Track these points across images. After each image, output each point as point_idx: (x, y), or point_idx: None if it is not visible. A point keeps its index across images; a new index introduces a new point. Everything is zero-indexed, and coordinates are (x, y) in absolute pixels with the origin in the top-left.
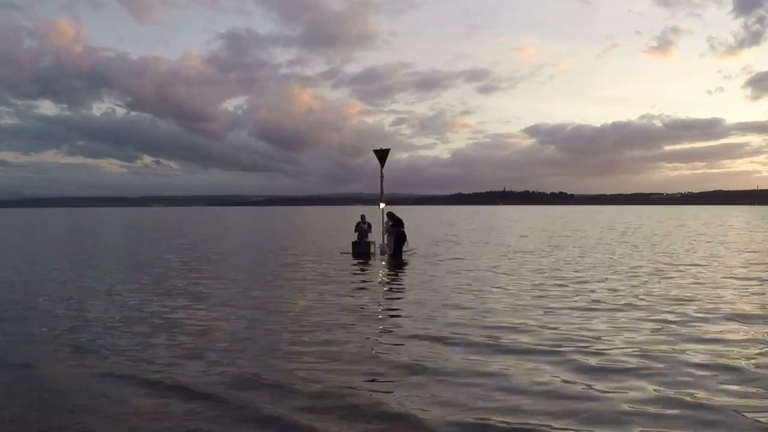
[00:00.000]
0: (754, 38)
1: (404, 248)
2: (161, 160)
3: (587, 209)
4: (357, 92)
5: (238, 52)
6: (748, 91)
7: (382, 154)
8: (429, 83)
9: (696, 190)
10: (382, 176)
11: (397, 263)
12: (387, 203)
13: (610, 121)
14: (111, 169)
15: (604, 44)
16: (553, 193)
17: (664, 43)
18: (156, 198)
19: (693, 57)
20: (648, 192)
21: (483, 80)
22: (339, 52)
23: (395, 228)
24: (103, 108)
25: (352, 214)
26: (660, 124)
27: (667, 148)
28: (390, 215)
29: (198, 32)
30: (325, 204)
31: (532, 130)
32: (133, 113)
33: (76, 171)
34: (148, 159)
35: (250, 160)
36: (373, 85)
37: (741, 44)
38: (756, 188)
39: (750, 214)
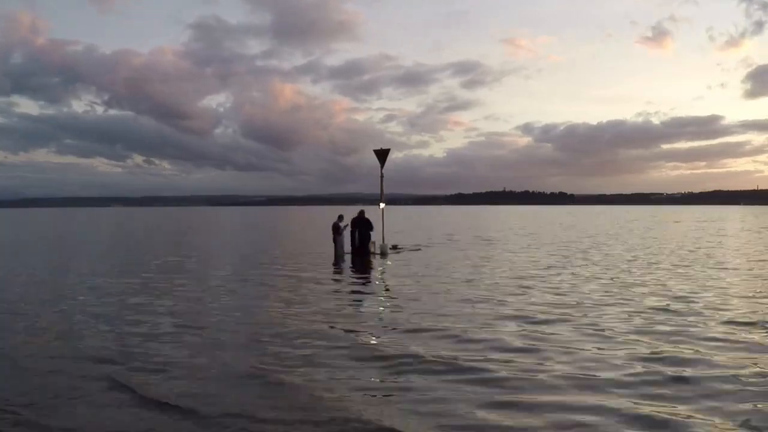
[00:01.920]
0: (756, 27)
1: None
2: (152, 159)
3: (612, 210)
4: (339, 87)
5: (212, 44)
6: (749, 85)
7: (382, 154)
8: (414, 77)
9: (696, 190)
10: (382, 176)
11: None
12: (388, 203)
13: (605, 119)
14: (106, 168)
15: (598, 36)
16: (553, 193)
17: (659, 34)
18: (157, 198)
19: (691, 49)
20: (648, 192)
21: (470, 74)
22: (316, 44)
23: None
24: (82, 106)
25: (353, 213)
26: (657, 122)
27: (666, 146)
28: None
29: (162, 21)
30: (326, 204)
31: (526, 128)
32: (111, 111)
33: (72, 170)
34: (139, 158)
35: (244, 160)
36: (356, 80)
37: (742, 34)
38: (756, 188)
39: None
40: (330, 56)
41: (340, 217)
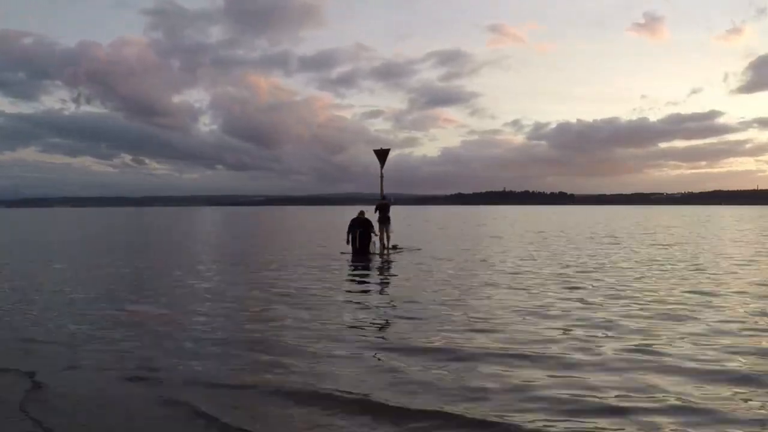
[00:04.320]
0: (758, 13)
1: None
2: (140, 158)
3: (617, 210)
4: (315, 80)
5: (172, 33)
6: (750, 76)
7: (382, 154)
8: (393, 70)
9: (696, 190)
10: (382, 176)
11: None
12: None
13: (598, 116)
14: (99, 168)
15: (592, 24)
16: (553, 193)
17: (652, 20)
18: (157, 198)
19: (687, 38)
20: (648, 192)
21: (453, 66)
22: (283, 31)
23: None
24: (54, 102)
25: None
26: (654, 119)
27: (664, 145)
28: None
29: (113, 7)
30: (325, 204)
31: (517, 125)
32: (84, 108)
33: (69, 170)
34: (127, 157)
35: (235, 159)
36: (331, 72)
37: (743, 21)
38: (756, 188)
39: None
40: (300, 45)
41: (361, 213)
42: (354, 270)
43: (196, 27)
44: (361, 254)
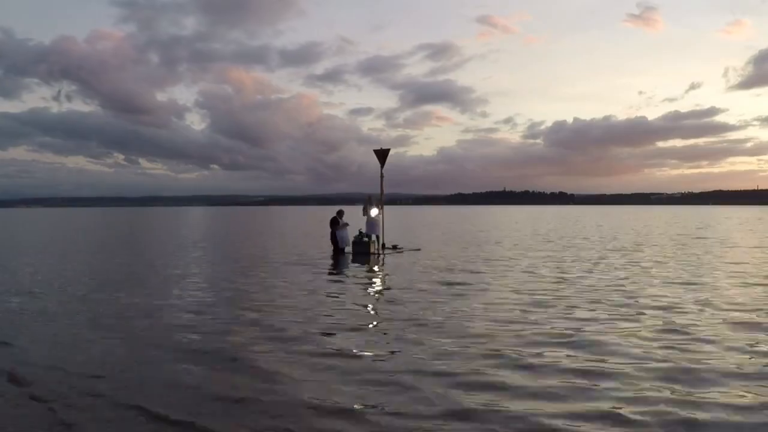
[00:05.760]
0: (760, 5)
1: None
2: (133, 157)
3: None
4: (299, 76)
5: (145, 25)
6: (751, 71)
7: (382, 154)
8: (381, 65)
9: (697, 189)
10: (382, 176)
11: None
12: (386, 203)
13: (595, 114)
14: (94, 168)
15: (587, 15)
16: (552, 193)
17: (646, 10)
18: (158, 198)
19: (686, 32)
20: (648, 192)
21: (442, 60)
22: (261, 23)
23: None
24: (38, 101)
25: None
26: (652, 117)
27: (663, 144)
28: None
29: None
30: (325, 203)
31: (511, 123)
32: (70, 106)
33: (62, 170)
34: (119, 156)
35: (230, 159)
36: (315, 67)
37: (744, 14)
38: (756, 188)
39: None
40: (279, 38)
41: (340, 213)
42: (360, 266)
43: (168, 18)
44: (339, 253)
